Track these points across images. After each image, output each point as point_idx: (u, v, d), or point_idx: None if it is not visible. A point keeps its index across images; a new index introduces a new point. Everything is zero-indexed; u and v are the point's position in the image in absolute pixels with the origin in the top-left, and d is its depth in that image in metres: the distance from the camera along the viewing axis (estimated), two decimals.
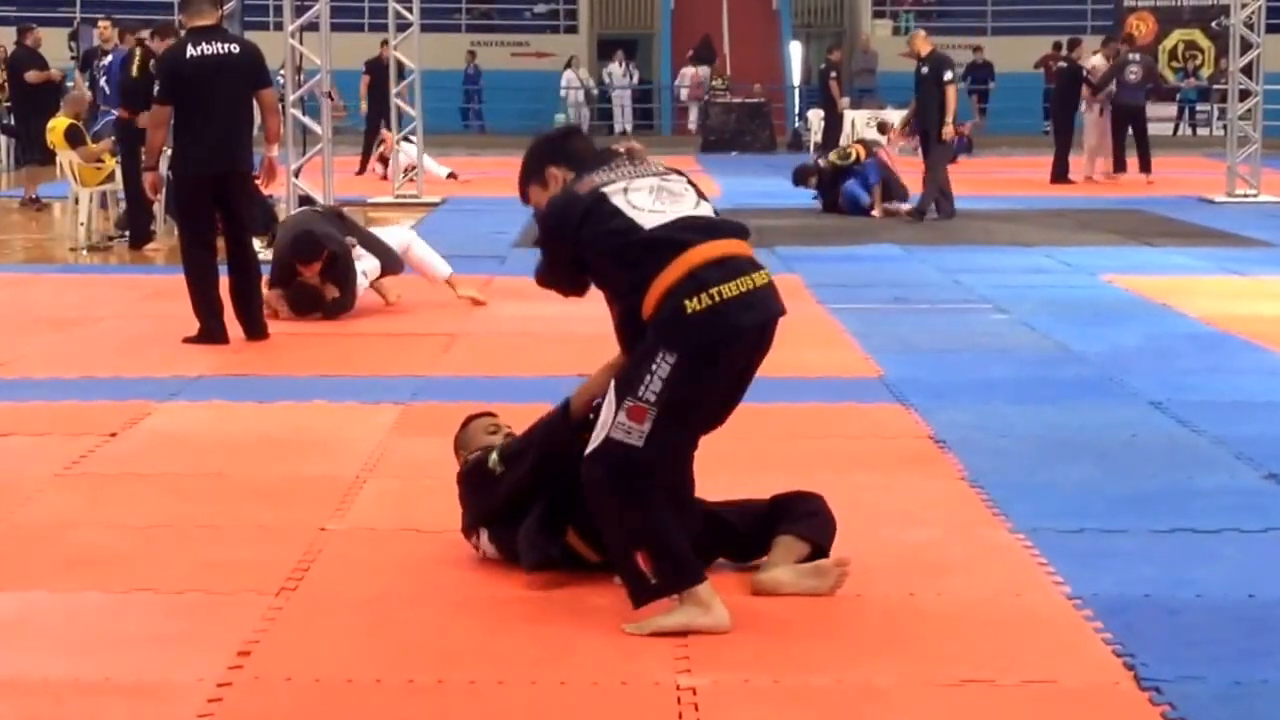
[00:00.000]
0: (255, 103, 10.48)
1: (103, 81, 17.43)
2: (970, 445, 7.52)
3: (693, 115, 37.21)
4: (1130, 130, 23.79)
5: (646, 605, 5.08)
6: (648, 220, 5.09)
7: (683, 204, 5.20)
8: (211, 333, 10.21)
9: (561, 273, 5.28)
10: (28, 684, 4.67)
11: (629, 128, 37.40)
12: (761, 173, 19.82)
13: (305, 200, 15.33)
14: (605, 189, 5.16)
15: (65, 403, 8.45)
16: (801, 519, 5.52)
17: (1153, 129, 25.11)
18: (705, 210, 5.24)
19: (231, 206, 10.33)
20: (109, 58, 17.44)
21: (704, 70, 37.24)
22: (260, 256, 10.87)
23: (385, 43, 21.13)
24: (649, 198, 5.16)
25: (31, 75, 20.89)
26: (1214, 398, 8.61)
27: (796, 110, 36.49)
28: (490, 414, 6.10)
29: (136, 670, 4.77)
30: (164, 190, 12.39)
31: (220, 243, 10.46)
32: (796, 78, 38.33)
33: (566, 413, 5.47)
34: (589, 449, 5.08)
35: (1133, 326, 10.93)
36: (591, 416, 5.30)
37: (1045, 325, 10.93)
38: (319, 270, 11.04)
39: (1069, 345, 10.19)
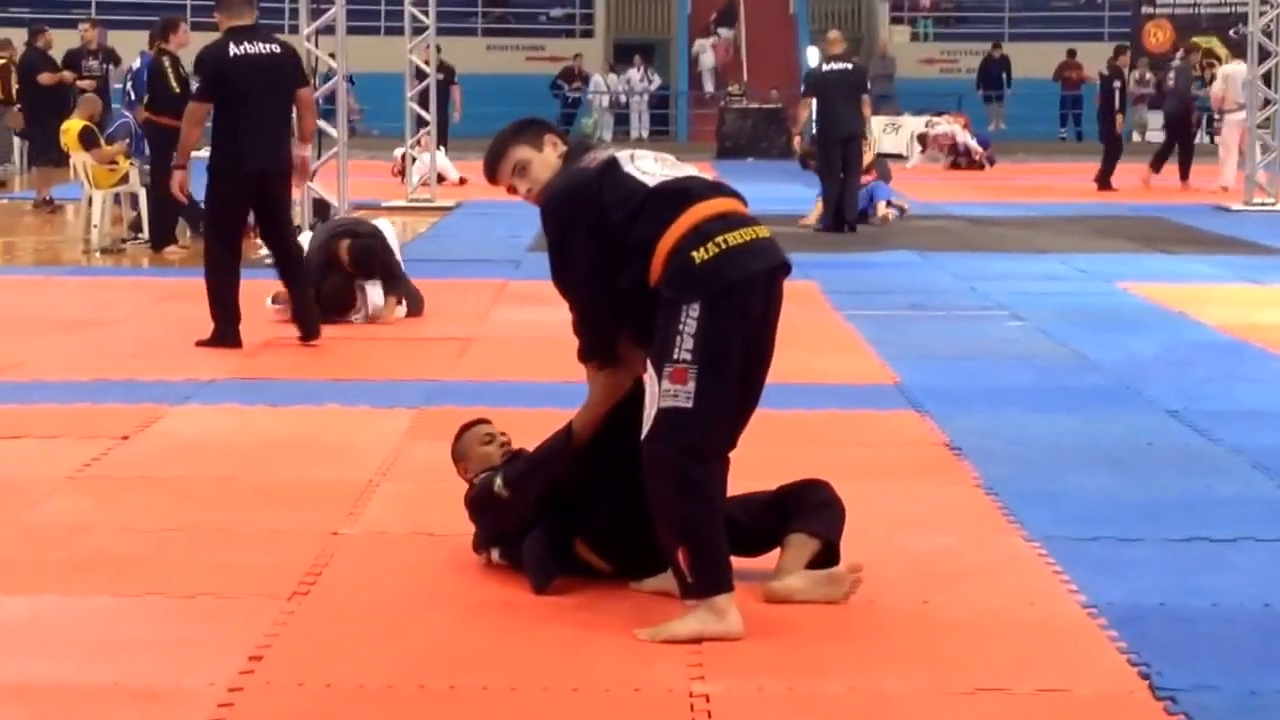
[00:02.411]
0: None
1: (128, 85, 17.42)
2: (986, 453, 7.49)
3: (709, 84, 37.63)
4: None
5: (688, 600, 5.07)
6: (654, 181, 5.18)
7: (685, 169, 5.32)
8: (226, 336, 10.18)
9: (586, 252, 5.17)
10: (37, 688, 4.65)
11: (645, 134, 37.38)
12: (778, 179, 19.79)
13: (320, 204, 15.32)
14: (615, 155, 5.26)
15: (77, 405, 8.43)
16: (811, 512, 5.49)
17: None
18: (706, 177, 5.36)
19: (273, 207, 10.30)
20: (136, 62, 17.43)
21: (729, 33, 37.40)
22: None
23: (428, 47, 21.11)
24: (655, 165, 5.26)
25: (45, 77, 20.90)
26: (1231, 406, 8.57)
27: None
28: (484, 421, 6.04)
29: (147, 675, 4.75)
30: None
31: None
32: None
33: (570, 437, 5.45)
34: (645, 431, 5.06)
35: (1149, 334, 10.89)
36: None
37: (1061, 333, 10.90)
38: (349, 252, 11.04)
39: (1085, 353, 10.16)
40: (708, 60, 38.35)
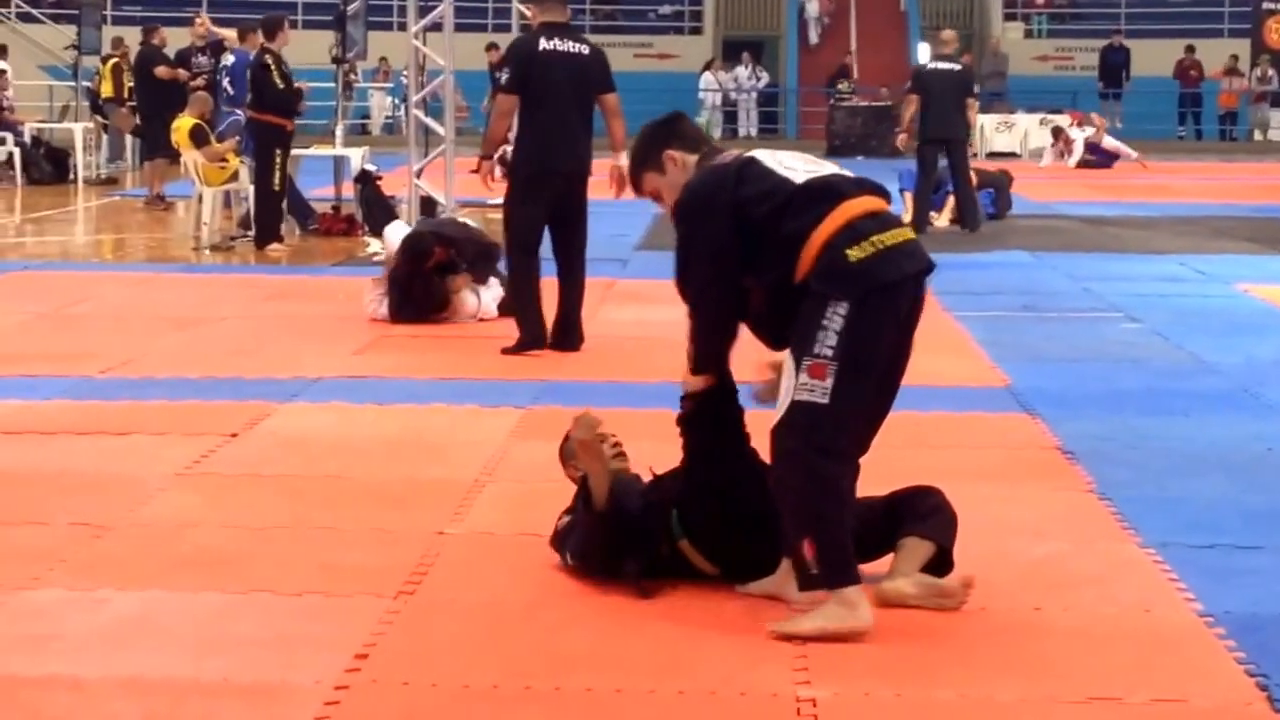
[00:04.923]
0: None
1: (225, 82, 17.55)
2: (1099, 457, 7.38)
3: (814, 35, 37.93)
4: None
5: (807, 592, 5.03)
6: (801, 177, 5.13)
7: (828, 166, 5.29)
8: (532, 341, 9.96)
9: (714, 256, 5.12)
10: (148, 683, 4.67)
11: (754, 131, 37.31)
12: (888, 177, 19.57)
13: (427, 202, 15.32)
14: (752, 153, 5.23)
15: (186, 402, 8.48)
16: (924, 517, 5.43)
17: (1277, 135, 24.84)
18: (849, 174, 5.31)
19: (571, 209, 10.07)
20: (231, 58, 17.55)
21: None
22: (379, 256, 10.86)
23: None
24: (799, 161, 5.23)
25: (161, 70, 21.09)
26: None
27: None
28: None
29: (254, 671, 4.76)
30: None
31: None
32: None
33: (589, 505, 5.45)
34: (776, 420, 5.03)
35: (1268, 337, 10.73)
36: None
37: (1178, 335, 10.74)
38: (435, 264, 11.03)
39: (1202, 356, 10.01)
40: (813, 9, 38.42)
